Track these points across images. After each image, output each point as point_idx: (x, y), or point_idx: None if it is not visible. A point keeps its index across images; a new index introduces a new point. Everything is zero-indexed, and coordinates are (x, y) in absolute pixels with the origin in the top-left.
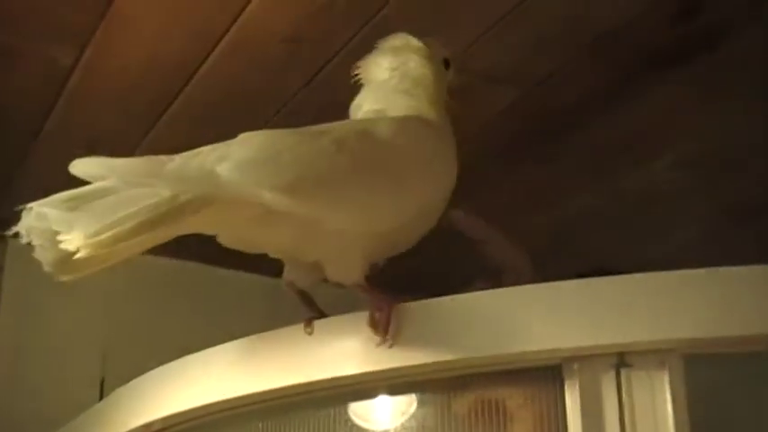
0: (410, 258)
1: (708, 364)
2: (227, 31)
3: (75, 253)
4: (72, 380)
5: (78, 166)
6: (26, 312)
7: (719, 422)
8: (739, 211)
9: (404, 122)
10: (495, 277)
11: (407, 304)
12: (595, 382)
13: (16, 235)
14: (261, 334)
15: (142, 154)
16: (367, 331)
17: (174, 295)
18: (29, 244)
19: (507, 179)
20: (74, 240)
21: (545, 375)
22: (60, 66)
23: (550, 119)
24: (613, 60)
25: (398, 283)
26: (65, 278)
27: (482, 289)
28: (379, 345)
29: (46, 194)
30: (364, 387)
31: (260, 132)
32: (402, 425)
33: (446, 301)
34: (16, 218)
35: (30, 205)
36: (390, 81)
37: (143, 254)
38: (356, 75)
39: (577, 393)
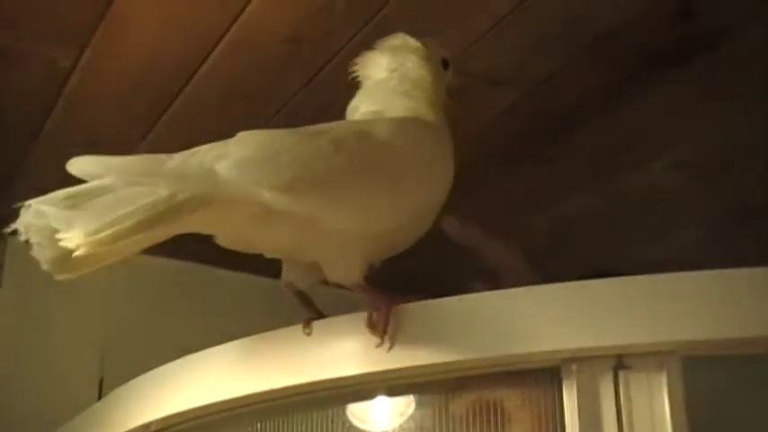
0: (407, 259)
1: (706, 366)
2: (227, 31)
3: (73, 251)
4: (71, 379)
5: (76, 165)
6: (25, 312)
7: (718, 425)
8: (739, 211)
9: (402, 124)
10: (492, 279)
11: (406, 305)
12: (594, 383)
13: (15, 233)
14: (259, 335)
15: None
16: (366, 332)
17: (173, 296)
18: (27, 242)
19: (507, 179)
20: (73, 238)
21: (543, 377)
22: (60, 66)
23: (550, 119)
24: (613, 60)
25: (395, 284)
26: (62, 276)
27: (480, 290)
28: (378, 346)
29: (45, 194)
30: (363, 388)
31: (258, 131)
32: (400, 426)
33: (445, 302)
34: (15, 217)
35: (28, 203)
36: (389, 82)
37: (142, 254)
38: (353, 72)
39: (575, 395)
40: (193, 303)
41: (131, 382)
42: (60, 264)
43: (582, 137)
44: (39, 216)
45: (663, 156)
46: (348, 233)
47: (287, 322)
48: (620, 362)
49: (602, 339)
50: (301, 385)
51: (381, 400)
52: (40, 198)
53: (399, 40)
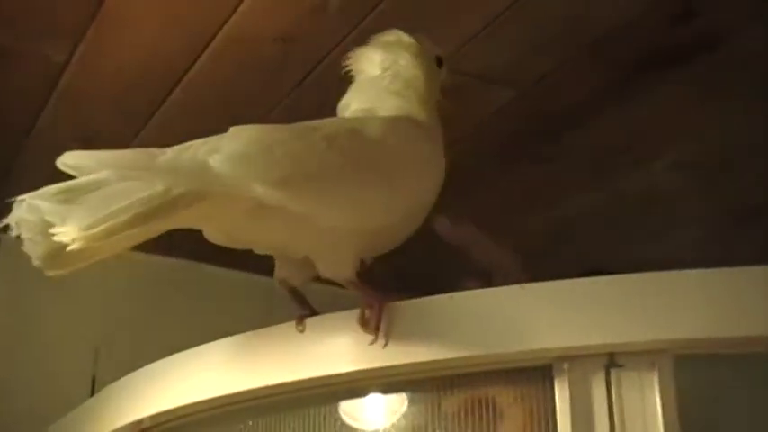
0: (398, 257)
1: (698, 365)
2: (220, 29)
3: (65, 246)
4: (63, 377)
5: (67, 159)
6: (18, 309)
7: (709, 423)
8: (739, 211)
9: (394, 123)
10: (484, 277)
11: (398, 302)
12: (585, 382)
13: (6, 229)
14: (252, 331)
15: None
16: (359, 329)
17: (166, 293)
18: (18, 237)
19: (504, 179)
20: (67, 233)
21: (535, 375)
22: (53, 63)
23: (548, 119)
24: (612, 60)
25: (386, 281)
26: (53, 273)
27: (472, 288)
28: (371, 343)
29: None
30: (355, 385)
31: (251, 126)
32: (392, 424)
33: (436, 299)
34: (8, 213)
35: (21, 197)
36: (381, 80)
37: (135, 251)
38: (346, 67)
39: (567, 393)
40: (186, 300)
41: (123, 379)
42: (52, 259)
43: (580, 137)
44: (32, 211)
45: (662, 156)
46: (340, 229)
47: (281, 320)
48: (611, 360)
49: (594, 338)
50: (294, 382)
51: (373, 398)
52: (33, 193)
53: (393, 36)
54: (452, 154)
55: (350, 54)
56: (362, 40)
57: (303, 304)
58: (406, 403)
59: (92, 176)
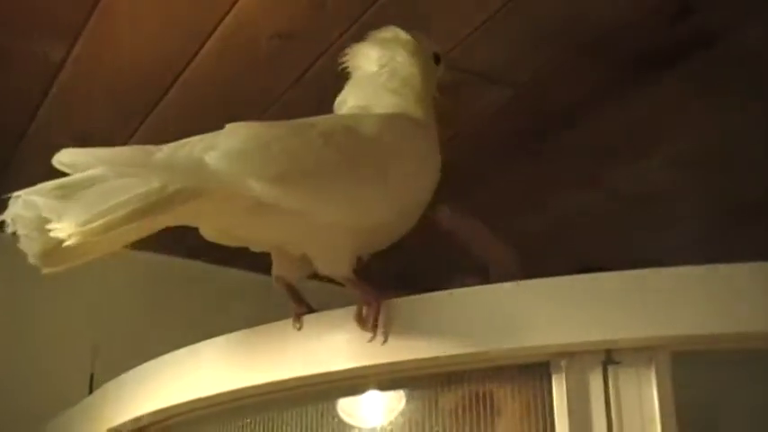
0: (395, 254)
1: (695, 361)
2: (218, 26)
3: (60, 243)
4: (61, 375)
5: (63, 157)
6: (16, 307)
7: (707, 419)
8: (736, 209)
9: (390, 120)
10: (482, 273)
11: (396, 299)
12: (583, 378)
13: (2, 226)
14: (249, 329)
15: None
16: (356, 326)
17: (163, 291)
18: (14, 234)
19: (502, 178)
20: (64, 228)
21: (533, 371)
22: (50, 62)
23: (547, 117)
24: (610, 58)
25: (383, 279)
26: (49, 270)
27: (469, 285)
28: (370, 340)
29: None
30: (353, 383)
31: (248, 123)
32: (390, 422)
33: (434, 296)
34: (4, 210)
35: (17, 193)
36: (378, 78)
37: (131, 249)
38: (343, 63)
39: (565, 390)
40: (184, 298)
41: (121, 377)
42: (47, 256)
43: (578, 135)
44: (28, 207)
45: (660, 154)
46: (336, 226)
47: (278, 318)
48: (609, 357)
49: (592, 334)
50: (291, 379)
51: (371, 396)
52: (30, 189)
53: (391, 32)
54: (450, 151)
55: (347, 50)
56: (360, 37)
57: (300, 302)
58: (403, 400)
59: (88, 173)
